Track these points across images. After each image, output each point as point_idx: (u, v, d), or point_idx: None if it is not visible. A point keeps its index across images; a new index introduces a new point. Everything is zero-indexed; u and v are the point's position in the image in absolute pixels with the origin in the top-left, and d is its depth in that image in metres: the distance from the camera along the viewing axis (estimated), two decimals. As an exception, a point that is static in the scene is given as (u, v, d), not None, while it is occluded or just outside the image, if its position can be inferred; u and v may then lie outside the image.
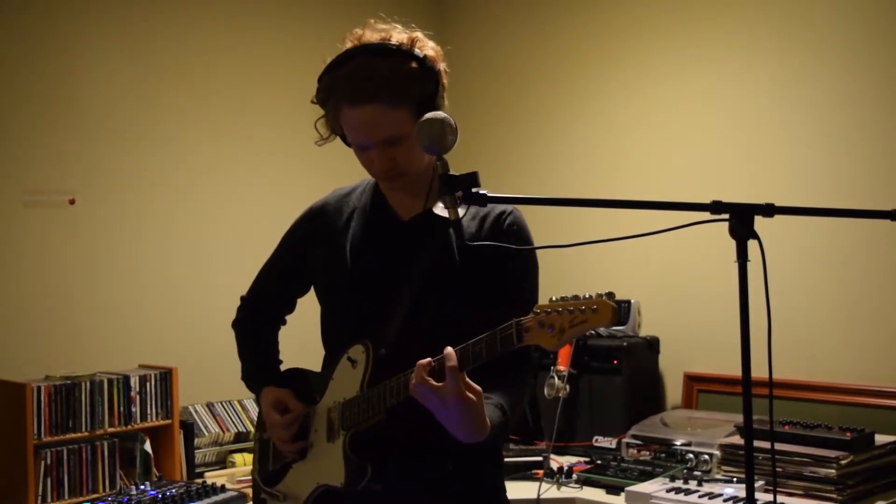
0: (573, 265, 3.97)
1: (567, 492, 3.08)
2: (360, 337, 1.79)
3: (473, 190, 1.53)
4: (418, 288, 1.76)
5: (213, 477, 3.35)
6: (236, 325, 2.11)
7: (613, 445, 3.39)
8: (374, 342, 1.77)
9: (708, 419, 3.33)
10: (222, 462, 3.62)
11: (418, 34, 1.78)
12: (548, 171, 4.23)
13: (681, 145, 3.77)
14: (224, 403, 3.70)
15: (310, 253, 1.95)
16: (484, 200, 1.54)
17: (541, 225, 1.94)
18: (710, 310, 3.60)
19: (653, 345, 3.70)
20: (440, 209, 1.68)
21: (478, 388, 1.55)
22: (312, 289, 2.00)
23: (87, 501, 3.06)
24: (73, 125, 3.50)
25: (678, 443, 3.16)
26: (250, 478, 3.31)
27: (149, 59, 3.69)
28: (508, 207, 1.82)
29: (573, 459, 3.42)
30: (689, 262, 3.68)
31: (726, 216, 1.50)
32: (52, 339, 3.40)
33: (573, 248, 1.72)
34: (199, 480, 3.22)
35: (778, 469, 2.84)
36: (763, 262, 1.48)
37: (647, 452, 3.21)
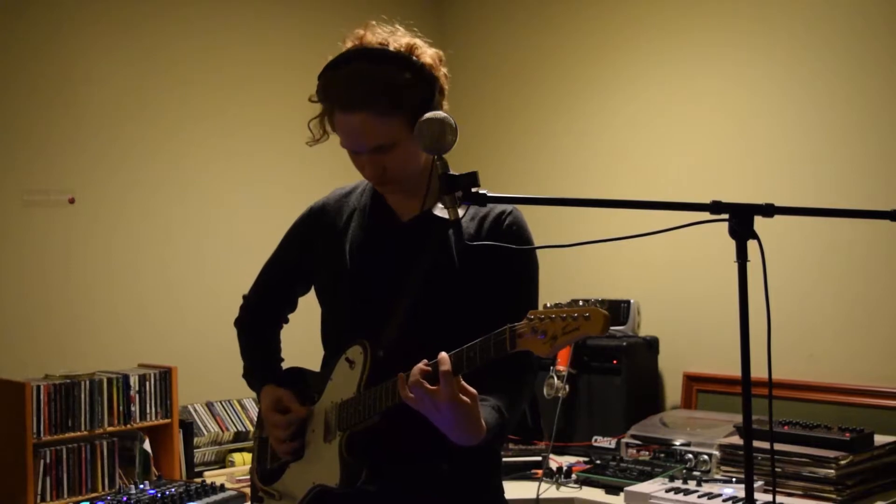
0: (573, 265, 3.97)
1: (566, 492, 3.08)
2: (359, 338, 1.79)
3: (473, 190, 1.52)
4: (417, 289, 1.75)
5: (213, 476, 3.35)
6: (238, 323, 2.11)
7: (613, 445, 3.39)
8: (373, 343, 1.77)
9: (707, 419, 3.33)
10: (221, 461, 3.62)
11: (418, 41, 1.76)
12: (547, 170, 4.23)
13: (681, 145, 3.77)
14: (223, 403, 3.70)
15: (310, 253, 1.95)
16: (483, 200, 1.53)
17: (540, 225, 1.93)
18: (709, 310, 3.60)
19: (652, 345, 3.70)
20: (440, 210, 1.68)
21: (473, 391, 1.55)
22: (313, 288, 2.00)
23: (86, 500, 3.06)
24: (73, 125, 3.50)
25: (677, 443, 3.16)
26: (249, 477, 3.33)
27: (149, 58, 3.69)
28: (508, 207, 1.82)
29: (572, 459, 3.42)
30: (688, 262, 3.68)
31: (726, 216, 1.50)
32: (51, 339, 3.40)
33: (573, 248, 1.72)
34: (199, 480, 3.23)
35: (777, 469, 2.84)
36: (763, 262, 1.48)
37: (647, 452, 3.21)
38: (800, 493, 2.79)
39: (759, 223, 1.50)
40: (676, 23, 3.79)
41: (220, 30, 3.91)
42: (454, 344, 1.56)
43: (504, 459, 2.61)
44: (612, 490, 3.00)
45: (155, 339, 3.64)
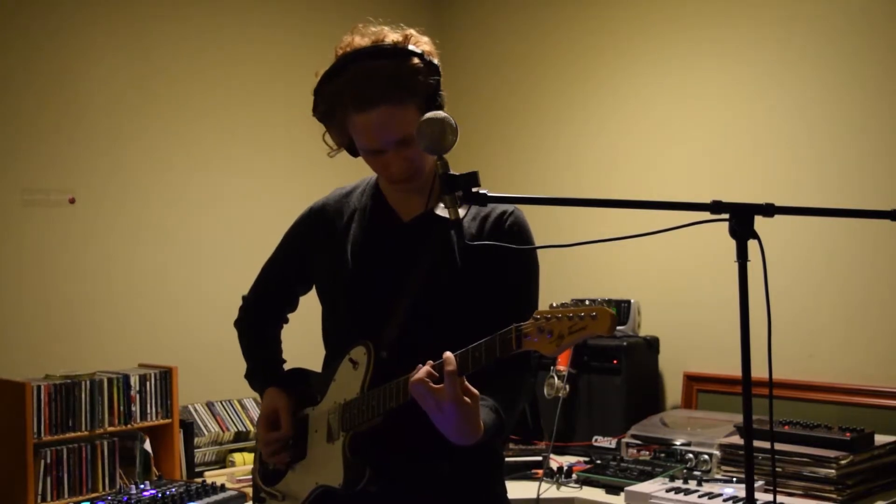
0: (573, 265, 3.97)
1: (567, 492, 3.09)
2: (362, 339, 1.79)
3: (473, 189, 1.52)
4: (419, 289, 1.75)
5: (213, 476, 3.35)
6: (238, 324, 2.11)
7: (613, 445, 3.39)
8: (376, 344, 1.77)
9: (708, 419, 3.33)
10: (222, 461, 3.62)
11: (411, 31, 1.77)
12: (547, 170, 4.22)
13: (681, 145, 3.77)
14: (224, 403, 3.70)
15: (311, 254, 1.95)
16: (484, 200, 1.53)
17: (540, 225, 1.93)
18: (709, 310, 3.60)
19: (652, 345, 3.70)
20: (441, 210, 1.68)
21: (475, 391, 1.55)
22: (314, 288, 2.00)
23: (86, 500, 3.06)
24: (73, 124, 3.49)
25: (678, 443, 3.16)
26: (250, 477, 3.32)
27: (149, 58, 3.69)
28: (510, 207, 1.82)
29: (573, 459, 3.42)
30: (689, 262, 3.68)
31: (726, 216, 1.50)
32: (51, 339, 3.40)
33: (573, 247, 1.72)
34: (199, 480, 3.23)
35: (778, 469, 2.84)
36: (763, 262, 1.48)
37: (647, 452, 3.21)
38: (800, 492, 2.79)
39: (760, 223, 1.50)
40: (677, 22, 3.79)
41: (221, 30, 3.91)
42: (456, 344, 1.56)
43: (505, 459, 2.61)
44: (613, 490, 3.00)
45: (155, 338, 3.64)
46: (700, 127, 3.72)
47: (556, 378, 3.37)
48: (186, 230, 3.77)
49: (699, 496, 2.73)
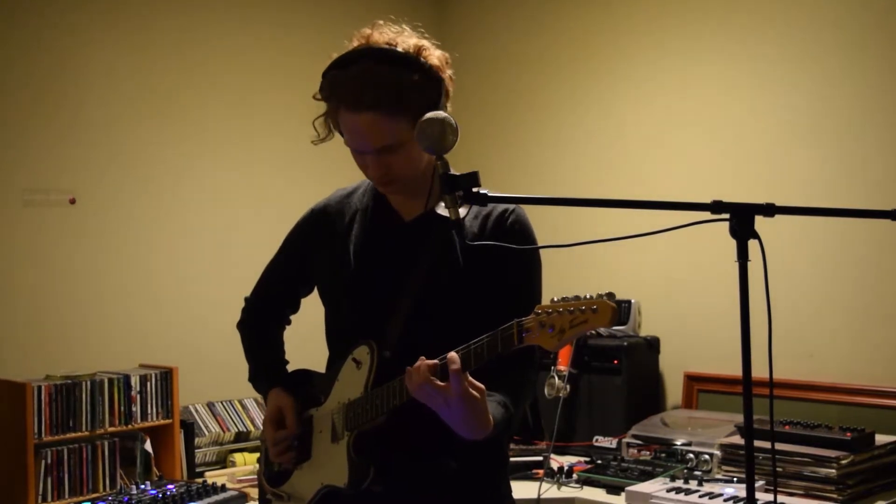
0: (573, 265, 3.96)
1: (567, 492, 3.08)
2: (365, 338, 1.79)
3: (474, 189, 1.52)
4: (422, 289, 1.76)
5: (214, 476, 3.35)
6: (241, 326, 2.11)
7: (614, 445, 3.39)
8: (379, 344, 1.77)
9: (708, 419, 3.33)
10: (223, 462, 3.62)
11: (425, 42, 1.76)
12: (548, 170, 4.22)
13: (682, 145, 3.77)
14: (224, 403, 3.70)
15: (313, 254, 1.95)
16: (484, 200, 1.53)
17: (541, 224, 1.93)
18: (710, 310, 3.60)
19: (653, 345, 3.70)
20: (442, 209, 1.68)
21: (480, 385, 1.56)
22: (315, 289, 2.00)
23: (87, 501, 3.06)
24: (73, 124, 3.49)
25: (678, 443, 3.16)
26: (251, 477, 3.33)
27: (149, 58, 3.69)
28: (511, 206, 1.82)
29: (573, 459, 3.42)
30: (689, 262, 3.68)
31: (727, 216, 1.50)
32: (52, 339, 3.40)
33: (573, 247, 1.71)
34: (200, 480, 3.23)
35: (778, 469, 2.84)
36: (763, 262, 1.48)
37: (648, 452, 3.21)
38: (801, 492, 2.79)
39: (760, 223, 1.50)
40: (678, 21, 3.79)
41: (222, 29, 3.91)
42: (459, 343, 1.57)
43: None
44: (613, 490, 3.00)
45: (156, 339, 3.64)
46: (700, 126, 3.72)
47: (556, 378, 3.37)
48: (186, 230, 3.77)
49: (700, 496, 2.73)
